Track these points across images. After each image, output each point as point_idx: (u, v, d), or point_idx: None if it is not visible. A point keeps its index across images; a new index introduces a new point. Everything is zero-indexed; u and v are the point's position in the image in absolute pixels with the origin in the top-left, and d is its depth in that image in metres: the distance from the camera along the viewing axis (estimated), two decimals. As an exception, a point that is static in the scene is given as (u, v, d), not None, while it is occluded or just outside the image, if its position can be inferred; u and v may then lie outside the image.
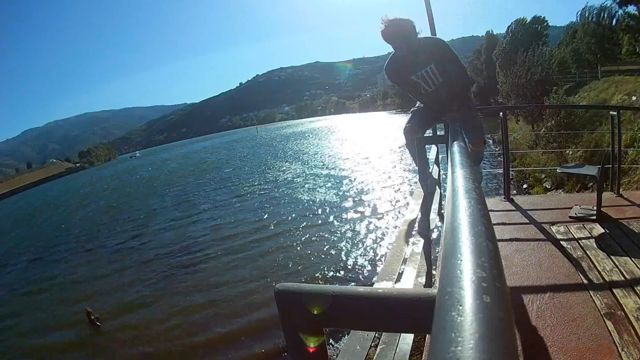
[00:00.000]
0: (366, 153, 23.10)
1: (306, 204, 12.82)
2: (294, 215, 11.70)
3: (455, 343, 0.18)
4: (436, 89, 2.17)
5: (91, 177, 56.45)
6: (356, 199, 12.49)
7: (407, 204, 2.02)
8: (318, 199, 13.30)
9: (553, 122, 11.78)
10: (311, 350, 0.50)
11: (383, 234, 8.89)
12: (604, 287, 1.90)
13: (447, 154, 1.09)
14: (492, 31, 34.02)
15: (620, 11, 20.17)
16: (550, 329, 1.63)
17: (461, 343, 0.18)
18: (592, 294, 1.85)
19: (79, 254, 12.24)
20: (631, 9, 19.37)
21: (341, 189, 14.52)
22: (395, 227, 8.86)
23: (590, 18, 21.55)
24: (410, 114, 2.37)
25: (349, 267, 7.56)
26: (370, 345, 0.79)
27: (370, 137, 33.05)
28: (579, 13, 22.56)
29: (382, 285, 1.05)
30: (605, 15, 20.90)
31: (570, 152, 10.39)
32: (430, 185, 2.29)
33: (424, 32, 2.23)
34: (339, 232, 9.61)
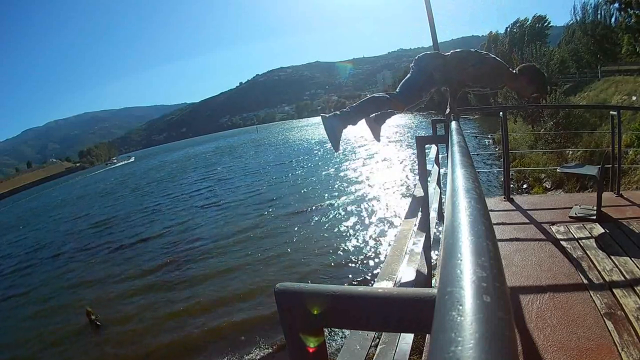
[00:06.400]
0: (365, 153, 23.09)
1: (305, 204, 12.82)
2: (293, 215, 11.71)
3: (455, 343, 0.18)
4: None
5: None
6: (355, 199, 12.49)
7: (407, 203, 2.01)
8: (317, 199, 13.31)
9: (553, 122, 11.77)
10: (311, 350, 0.50)
11: (383, 234, 8.88)
12: (604, 287, 1.90)
13: (447, 154, 1.09)
14: (497, 32, 34.07)
15: (615, 10, 20.16)
16: (550, 329, 1.63)
17: (461, 343, 0.18)
18: (592, 294, 1.85)
19: (78, 254, 12.24)
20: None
21: (341, 188, 14.52)
22: (395, 227, 8.85)
23: (584, 19, 21.55)
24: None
25: (349, 267, 7.56)
26: (370, 345, 0.79)
27: (370, 137, 32.89)
28: (571, 10, 22.72)
29: (382, 285, 1.05)
30: (602, 12, 20.89)
31: (570, 152, 10.38)
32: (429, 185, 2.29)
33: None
34: (338, 231, 9.60)
